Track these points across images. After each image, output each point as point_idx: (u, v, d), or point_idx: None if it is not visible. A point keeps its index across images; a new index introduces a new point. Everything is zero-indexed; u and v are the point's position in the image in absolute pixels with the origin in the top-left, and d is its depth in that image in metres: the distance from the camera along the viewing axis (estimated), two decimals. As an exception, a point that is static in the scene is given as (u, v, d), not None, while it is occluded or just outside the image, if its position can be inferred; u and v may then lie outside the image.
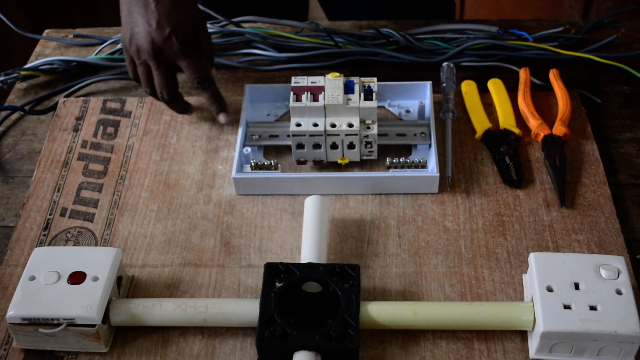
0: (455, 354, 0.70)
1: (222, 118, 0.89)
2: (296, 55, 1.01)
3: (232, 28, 1.04)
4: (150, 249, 0.80)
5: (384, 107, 0.93)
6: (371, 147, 0.84)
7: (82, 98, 0.97)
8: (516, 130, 0.88)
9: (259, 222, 0.82)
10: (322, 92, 0.83)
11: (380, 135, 0.86)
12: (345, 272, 0.72)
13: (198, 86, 0.87)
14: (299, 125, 0.83)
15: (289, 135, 0.85)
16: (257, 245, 0.80)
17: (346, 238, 0.80)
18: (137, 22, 0.83)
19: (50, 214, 0.83)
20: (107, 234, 0.81)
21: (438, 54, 1.00)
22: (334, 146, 0.84)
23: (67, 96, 0.99)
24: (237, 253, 0.79)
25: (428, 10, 1.19)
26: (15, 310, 0.68)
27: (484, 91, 0.94)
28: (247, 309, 0.70)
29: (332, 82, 0.84)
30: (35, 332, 0.69)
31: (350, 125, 0.83)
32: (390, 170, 0.83)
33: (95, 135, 0.92)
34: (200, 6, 1.04)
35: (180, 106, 0.90)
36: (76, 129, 0.93)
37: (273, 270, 0.72)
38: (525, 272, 0.75)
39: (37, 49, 1.07)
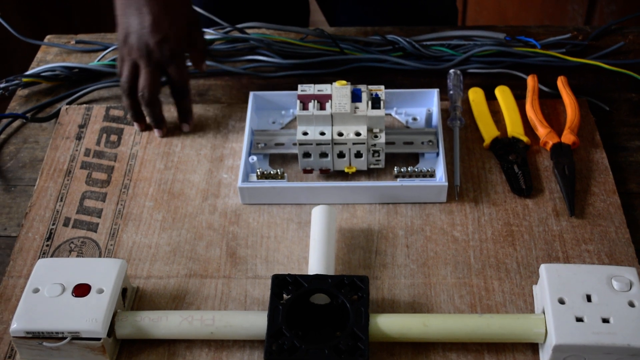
0: (465, 367, 0.69)
1: (184, 127, 0.92)
2: (301, 62, 1.00)
3: (237, 34, 1.03)
4: (155, 259, 0.79)
5: (390, 114, 0.92)
6: (379, 156, 0.83)
7: (84, 105, 0.96)
8: (524, 139, 0.87)
9: (265, 232, 0.81)
10: (329, 101, 0.82)
11: (387, 143, 0.85)
12: (353, 283, 0.71)
13: (174, 94, 0.91)
14: (305, 133, 0.82)
15: (295, 144, 0.84)
16: (264, 255, 0.79)
17: (354, 248, 0.79)
18: (132, 24, 0.85)
19: (53, 224, 0.82)
20: (111, 245, 0.80)
21: (444, 61, 0.99)
22: (341, 155, 0.83)
23: (70, 103, 0.98)
24: (243, 264, 0.78)
25: (429, 15, 1.18)
26: (18, 324, 0.67)
27: (491, 98, 0.93)
28: (255, 322, 0.69)
29: (340, 90, 0.83)
30: (40, 345, 0.68)
31: (358, 134, 0.82)
32: (398, 179, 0.82)
33: (98, 143, 0.91)
34: (202, 11, 1.03)
35: (156, 113, 0.90)
36: (79, 137, 0.92)
37: (281, 282, 0.71)
38: (536, 283, 0.74)
39: (39, 55, 1.06)
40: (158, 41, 0.85)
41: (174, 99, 0.91)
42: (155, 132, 0.91)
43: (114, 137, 0.92)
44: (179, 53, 0.87)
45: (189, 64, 0.94)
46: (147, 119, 0.91)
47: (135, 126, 0.92)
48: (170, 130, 0.92)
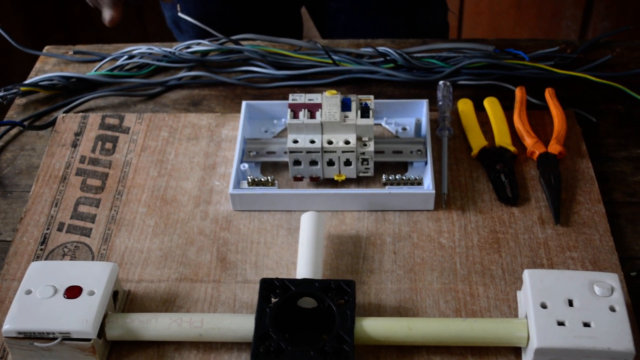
0: (449, 370, 0.70)
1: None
2: (294, 73, 1.02)
3: (231, 46, 1.05)
4: (146, 264, 0.80)
5: (380, 124, 0.93)
6: (367, 164, 0.85)
7: (81, 114, 0.98)
8: (512, 149, 0.89)
9: (255, 237, 0.82)
10: (320, 109, 0.84)
11: (376, 152, 0.87)
12: (340, 288, 0.72)
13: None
14: (296, 142, 0.84)
15: (286, 152, 0.85)
16: (253, 260, 0.80)
17: (342, 254, 0.80)
18: None
19: (48, 229, 0.84)
20: (104, 249, 0.82)
21: (435, 73, 1.01)
22: (330, 163, 0.85)
23: (66, 112, 0.99)
24: (233, 268, 0.79)
25: (421, 31, 1.20)
26: (11, 324, 0.69)
27: (480, 109, 0.95)
28: (243, 324, 0.70)
29: (330, 100, 0.85)
30: (31, 346, 0.69)
31: (347, 143, 0.83)
32: (386, 187, 0.84)
33: (93, 150, 0.93)
34: (198, 23, 1.05)
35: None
36: (75, 145, 0.94)
37: (269, 286, 0.72)
38: (520, 289, 0.75)
39: (37, 65, 1.08)
40: None
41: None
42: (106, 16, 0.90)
43: (109, 145, 0.93)
44: None
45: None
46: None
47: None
48: (165, 139, 0.94)
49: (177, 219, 0.84)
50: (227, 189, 0.86)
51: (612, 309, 0.68)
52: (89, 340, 0.69)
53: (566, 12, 1.80)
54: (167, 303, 0.76)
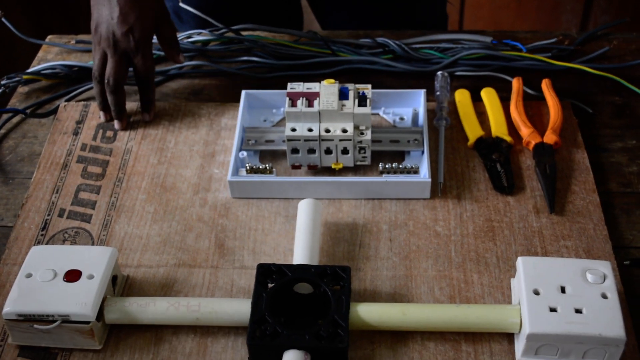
0: (443, 355, 0.71)
1: (145, 117, 0.96)
2: (294, 63, 1.03)
3: (232, 36, 1.06)
4: (145, 249, 0.81)
5: (378, 114, 0.94)
6: (365, 152, 0.86)
7: (82, 102, 0.99)
8: (508, 139, 0.89)
9: (253, 224, 0.83)
10: (317, 98, 0.85)
11: (374, 141, 0.88)
12: (336, 273, 0.73)
13: (138, 83, 0.95)
14: (294, 130, 0.84)
15: (284, 140, 0.86)
16: (251, 247, 0.81)
17: (339, 241, 0.81)
18: (102, 14, 0.91)
19: (49, 215, 0.85)
20: (104, 235, 0.83)
21: (433, 64, 1.01)
22: (328, 151, 0.85)
23: (68, 100, 1.00)
24: (231, 255, 0.80)
25: (420, 21, 1.21)
26: (11, 307, 0.70)
27: (477, 100, 0.95)
28: (239, 309, 0.71)
29: (327, 88, 0.85)
30: (31, 328, 0.70)
31: (344, 131, 0.84)
32: (383, 175, 0.85)
33: (94, 138, 0.94)
34: (198, 13, 1.06)
35: (119, 101, 0.94)
36: (76, 132, 0.95)
37: (265, 271, 0.73)
38: (514, 277, 0.76)
39: (40, 54, 1.09)
40: (124, 32, 0.89)
41: (139, 88, 0.96)
42: (115, 124, 0.95)
43: (109, 133, 0.94)
44: (144, 44, 0.91)
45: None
46: (111, 108, 0.95)
47: (101, 115, 0.96)
48: (165, 127, 0.95)
49: (176, 205, 0.85)
50: (226, 177, 0.87)
51: (604, 296, 0.69)
52: (87, 323, 0.70)
53: (566, 5, 1.81)
54: (165, 288, 0.77)
